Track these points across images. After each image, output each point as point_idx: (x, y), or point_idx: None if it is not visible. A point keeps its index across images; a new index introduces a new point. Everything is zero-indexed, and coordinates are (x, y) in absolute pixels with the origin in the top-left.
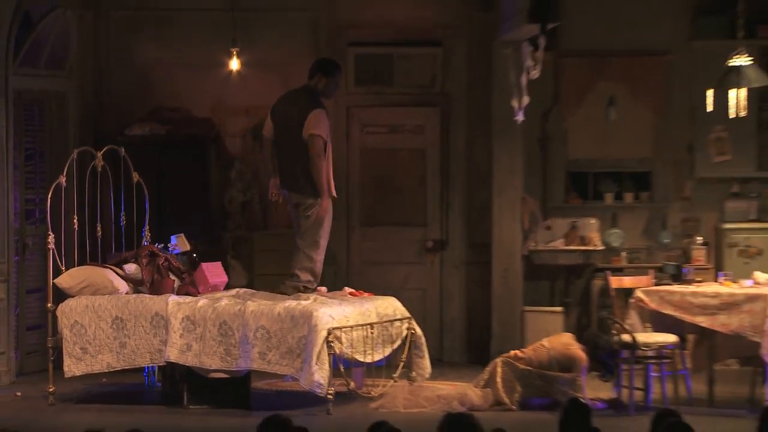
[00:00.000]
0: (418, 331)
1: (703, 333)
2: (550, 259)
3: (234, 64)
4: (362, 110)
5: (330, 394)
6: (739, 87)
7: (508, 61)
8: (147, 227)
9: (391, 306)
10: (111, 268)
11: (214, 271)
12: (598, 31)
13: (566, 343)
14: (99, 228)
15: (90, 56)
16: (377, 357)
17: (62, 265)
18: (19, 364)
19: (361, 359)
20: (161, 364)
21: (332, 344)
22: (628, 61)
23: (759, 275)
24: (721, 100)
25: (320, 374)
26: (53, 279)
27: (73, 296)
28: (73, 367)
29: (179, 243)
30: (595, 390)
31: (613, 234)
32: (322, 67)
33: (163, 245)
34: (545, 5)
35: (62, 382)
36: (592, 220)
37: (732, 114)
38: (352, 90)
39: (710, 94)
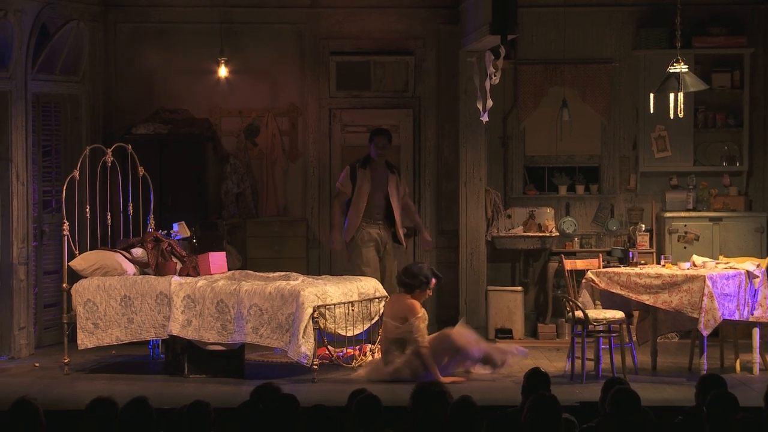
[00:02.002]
0: None
1: (647, 309)
2: (510, 244)
3: (222, 71)
4: (343, 112)
5: (315, 364)
6: (677, 91)
7: (473, 68)
8: (151, 216)
9: (371, 286)
10: (120, 252)
11: (217, 262)
12: (552, 42)
13: (399, 300)
14: (109, 216)
15: (100, 63)
16: (357, 331)
17: (76, 249)
18: (38, 337)
19: (343, 333)
20: (164, 338)
21: (317, 320)
22: (579, 68)
23: (696, 258)
24: (662, 103)
25: (306, 347)
26: (68, 262)
27: (85, 277)
28: (85, 340)
29: (180, 230)
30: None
31: (566, 222)
32: (370, 136)
33: (166, 232)
34: (505, 19)
35: (76, 354)
36: (548, 210)
37: (671, 115)
38: (334, 94)
39: (652, 97)
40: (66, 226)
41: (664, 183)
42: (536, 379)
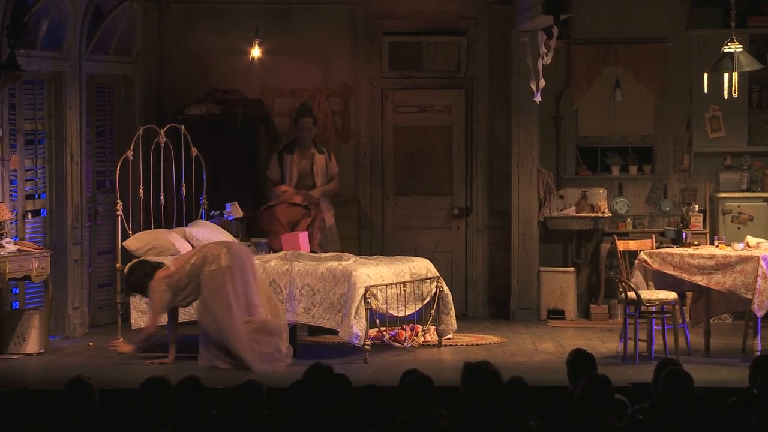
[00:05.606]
0: (446, 290)
1: (700, 290)
2: (562, 224)
3: (255, 52)
4: (395, 92)
5: (367, 344)
6: (732, 71)
7: (525, 48)
8: (204, 196)
9: (423, 267)
10: (173, 232)
11: (305, 241)
12: (605, 21)
13: None
14: (162, 197)
15: (153, 44)
16: (409, 312)
17: (129, 229)
18: (92, 317)
19: (395, 314)
20: None
21: (369, 300)
22: (632, 48)
23: (750, 239)
24: (716, 83)
25: (358, 327)
26: (121, 242)
27: (139, 257)
28: (139, 320)
29: (233, 210)
30: None
31: (619, 202)
32: (295, 119)
33: (219, 212)
34: None
35: (129, 333)
36: (601, 190)
37: (726, 95)
38: (386, 74)
39: (706, 77)
40: (119, 206)
41: (717, 163)
42: (581, 358)
